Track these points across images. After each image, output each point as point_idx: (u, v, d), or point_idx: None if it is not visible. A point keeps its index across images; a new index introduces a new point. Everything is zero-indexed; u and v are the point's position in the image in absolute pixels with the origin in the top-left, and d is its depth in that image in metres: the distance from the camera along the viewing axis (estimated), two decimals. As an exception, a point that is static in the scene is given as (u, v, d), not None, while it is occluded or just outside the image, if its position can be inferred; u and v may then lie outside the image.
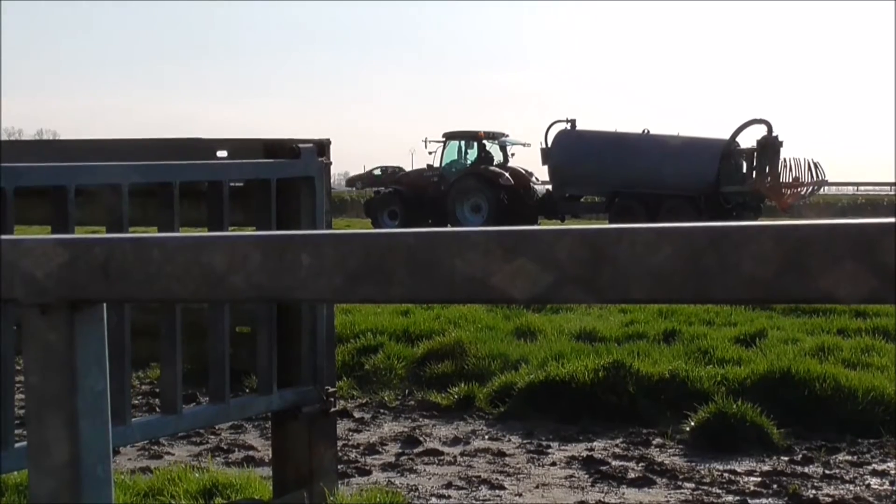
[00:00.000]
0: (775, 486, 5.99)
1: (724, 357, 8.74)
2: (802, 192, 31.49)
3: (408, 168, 43.62)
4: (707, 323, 10.91)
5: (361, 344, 9.54)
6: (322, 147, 4.79)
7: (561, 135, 32.85)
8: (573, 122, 33.25)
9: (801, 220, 1.31)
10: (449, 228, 1.38)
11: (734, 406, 7.00)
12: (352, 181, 57.22)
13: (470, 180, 33.05)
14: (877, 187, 60.78)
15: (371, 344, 9.52)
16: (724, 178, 30.68)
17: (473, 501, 5.75)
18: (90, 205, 4.35)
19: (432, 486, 6.00)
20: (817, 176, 31.07)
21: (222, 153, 4.66)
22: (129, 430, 4.12)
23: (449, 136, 34.87)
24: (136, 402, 8.09)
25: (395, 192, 34.54)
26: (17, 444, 3.77)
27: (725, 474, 6.23)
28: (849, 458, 6.60)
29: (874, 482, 6.13)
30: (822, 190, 34.81)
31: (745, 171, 31.36)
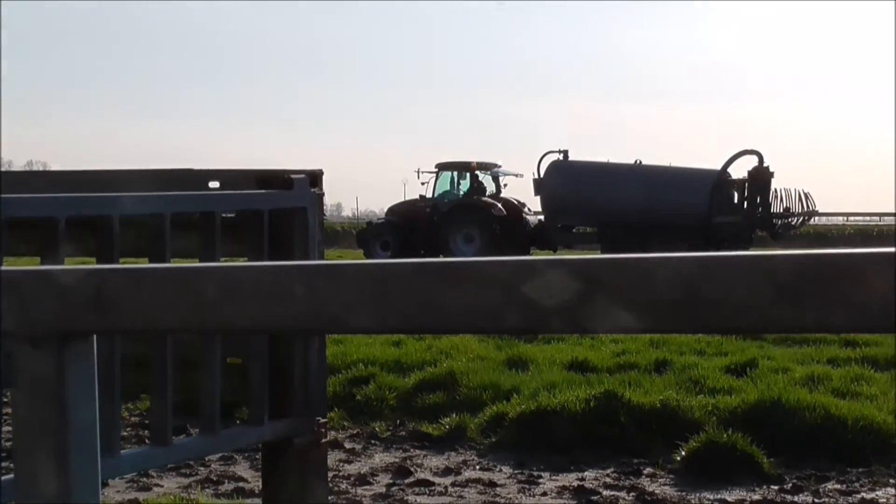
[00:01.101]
0: (766, 515, 5.98)
1: (715, 386, 8.74)
2: (793, 223, 31.56)
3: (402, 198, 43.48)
4: (698, 353, 10.88)
5: (353, 374, 9.51)
6: (315, 178, 4.78)
7: (553, 165, 32.82)
8: (566, 152, 33.25)
9: (793, 249, 1.30)
10: (443, 259, 1.38)
11: (725, 435, 7.01)
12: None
13: (463, 211, 32.81)
14: (866, 217, 60.93)
15: (363, 374, 9.49)
16: (716, 209, 30.70)
17: (465, 532, 5.73)
18: (81, 236, 4.33)
19: (423, 517, 5.97)
20: (807, 206, 31.19)
21: (214, 184, 4.65)
22: (118, 461, 4.08)
23: (441, 167, 34.66)
24: (126, 433, 8.05)
25: (387, 223, 34.32)
26: (4, 477, 3.74)
27: (716, 503, 6.22)
28: (838, 486, 6.60)
29: (865, 511, 6.11)
30: (812, 220, 34.93)
31: (736, 201, 31.39)
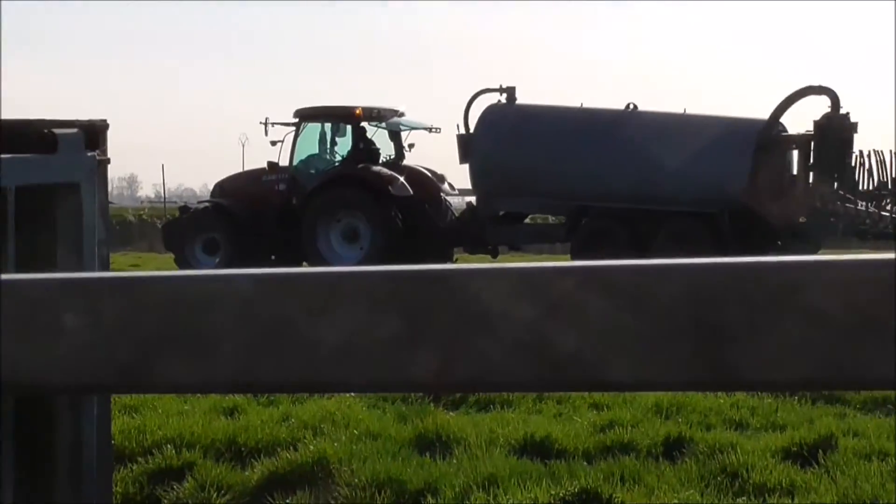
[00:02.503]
0: None
1: (766, 483, 6.10)
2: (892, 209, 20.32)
3: (239, 167, 27.09)
4: (736, 425, 7.51)
5: (157, 464, 6.49)
6: (94, 133, 3.05)
7: (491, 113, 21.29)
8: (511, 91, 21.50)
9: (884, 253, 0.81)
10: (308, 269, 0.89)
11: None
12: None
13: (340, 188, 21.09)
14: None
15: (174, 464, 6.49)
16: (763, 184, 19.54)
17: None
18: None
19: None
20: None
21: None
22: None
23: (304, 116, 22.17)
24: None
25: (213, 210, 21.99)
26: None
27: None
28: None
29: None
30: None
31: (795, 171, 20.22)
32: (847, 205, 19.71)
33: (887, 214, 20.13)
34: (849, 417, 7.72)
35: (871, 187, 20.00)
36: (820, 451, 6.69)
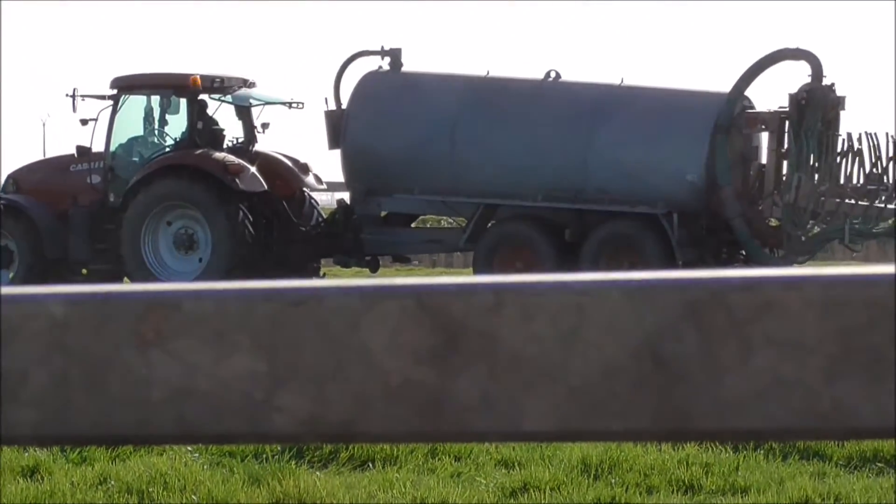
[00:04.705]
0: None
1: None
2: (887, 203, 20.56)
3: (39, 154, 28.37)
4: (686, 488, 7.66)
5: None
6: None
7: (370, 83, 21.31)
8: (396, 54, 21.49)
9: (877, 265, 0.85)
10: (134, 286, 0.90)
11: None
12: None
13: (171, 181, 20.97)
14: None
15: None
16: (724, 176, 19.69)
17: None
18: None
19: None
20: None
21: None
22: None
23: (124, 87, 21.99)
24: None
25: (5, 210, 21.80)
26: None
27: None
28: None
29: None
30: None
31: (765, 159, 20.55)
32: (834, 201, 19.78)
33: (882, 207, 20.25)
34: (829, 477, 7.82)
35: (861, 179, 20.16)
36: (793, 521, 6.32)
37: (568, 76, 20.88)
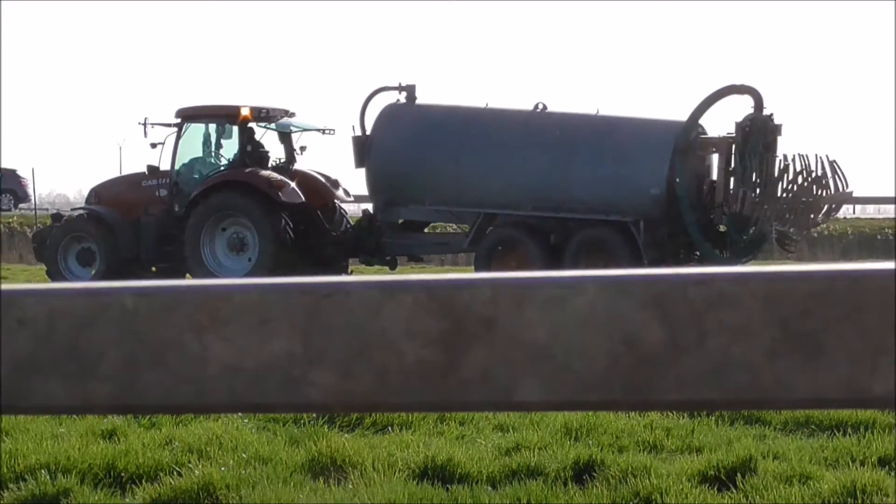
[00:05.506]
0: None
1: None
2: (817, 215, 20.90)
3: (116, 172, 28.60)
4: (651, 448, 7.51)
5: (31, 491, 6.42)
6: None
7: (390, 113, 21.50)
8: (411, 90, 21.66)
9: (810, 263, 0.83)
10: (193, 281, 0.88)
11: None
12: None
13: (225, 194, 21.07)
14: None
15: (48, 491, 6.41)
16: (682, 190, 19.88)
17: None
18: None
19: None
20: (837, 185, 20.51)
21: None
22: None
23: (186, 117, 22.06)
24: None
25: (89, 218, 21.98)
26: None
27: None
28: None
29: None
30: (841, 210, 22.94)
31: (715, 176, 20.72)
32: (772, 210, 20.13)
33: (814, 216, 20.68)
34: (769, 439, 7.79)
35: (793, 190, 20.50)
36: (738, 474, 6.74)
37: (553, 107, 21.17)
